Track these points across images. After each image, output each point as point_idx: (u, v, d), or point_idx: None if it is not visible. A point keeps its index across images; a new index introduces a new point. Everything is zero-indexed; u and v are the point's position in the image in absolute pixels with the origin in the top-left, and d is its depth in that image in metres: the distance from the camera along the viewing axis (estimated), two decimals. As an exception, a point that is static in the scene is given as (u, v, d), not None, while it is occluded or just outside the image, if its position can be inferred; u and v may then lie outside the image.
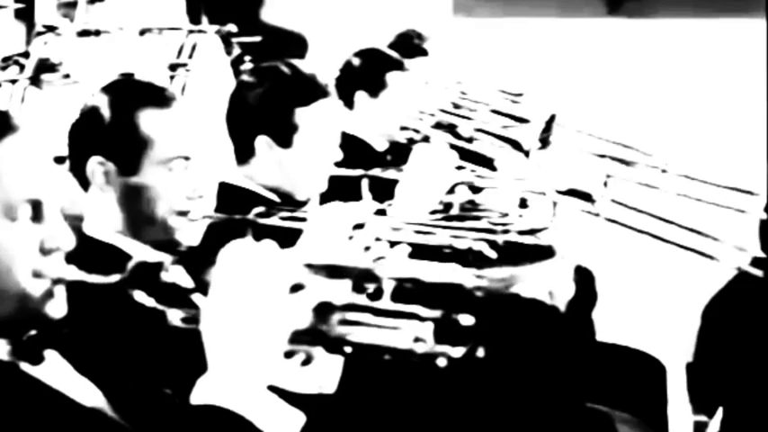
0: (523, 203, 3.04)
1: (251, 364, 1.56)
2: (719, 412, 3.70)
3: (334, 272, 1.61)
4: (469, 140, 3.61)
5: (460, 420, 2.94)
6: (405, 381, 2.79)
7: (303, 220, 2.56)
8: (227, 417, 1.55)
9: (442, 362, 1.52)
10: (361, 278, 1.60)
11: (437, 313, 1.54)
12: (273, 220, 2.59)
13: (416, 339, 1.54)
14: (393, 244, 2.46)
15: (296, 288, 1.59)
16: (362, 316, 1.59)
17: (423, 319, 1.55)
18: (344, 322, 1.59)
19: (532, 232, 2.53)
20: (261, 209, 2.63)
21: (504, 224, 2.55)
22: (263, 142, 2.88)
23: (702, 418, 3.97)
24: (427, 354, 1.53)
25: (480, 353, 1.50)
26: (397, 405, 2.83)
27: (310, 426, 1.63)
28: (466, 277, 1.56)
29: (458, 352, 1.51)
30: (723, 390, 3.70)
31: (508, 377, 3.14)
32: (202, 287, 1.58)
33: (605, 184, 3.00)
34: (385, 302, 1.58)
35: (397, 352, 1.55)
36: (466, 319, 1.52)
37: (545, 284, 1.55)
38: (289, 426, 1.58)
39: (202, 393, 1.57)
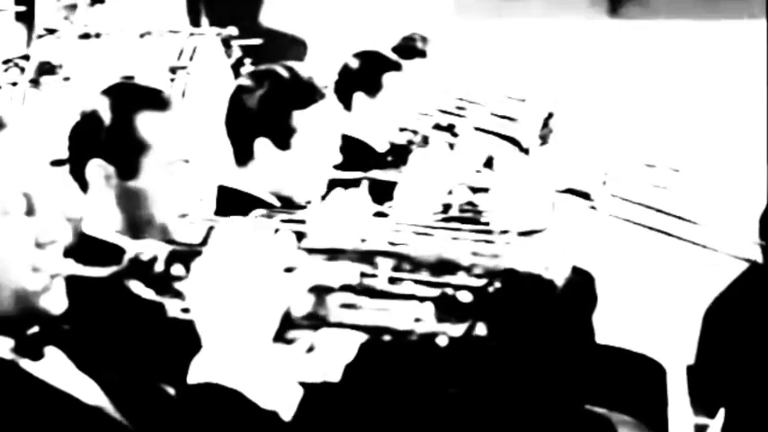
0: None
1: (243, 339, 1.54)
2: (721, 414, 3.70)
3: (332, 254, 1.61)
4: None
5: (464, 415, 2.93)
6: (409, 370, 2.79)
7: (303, 222, 2.55)
8: (222, 393, 1.53)
9: (442, 340, 1.51)
10: (359, 259, 1.60)
11: (436, 292, 1.54)
12: (274, 223, 2.58)
13: (416, 320, 1.53)
14: (393, 246, 2.45)
15: (291, 270, 1.58)
16: (361, 299, 1.58)
17: (422, 300, 1.55)
18: (344, 305, 1.58)
19: (531, 234, 2.53)
20: (261, 211, 2.63)
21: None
22: (261, 145, 2.88)
23: (703, 420, 3.97)
24: (427, 333, 1.52)
25: (480, 330, 1.49)
26: (401, 394, 2.83)
27: (314, 414, 1.62)
28: (462, 254, 1.56)
29: (458, 330, 1.50)
30: (725, 392, 3.70)
31: (508, 356, 3.14)
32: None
33: (604, 183, 3.00)
34: (383, 284, 1.58)
35: (397, 332, 1.54)
36: (464, 297, 1.52)
37: (540, 259, 1.55)
38: (286, 399, 1.57)
39: (197, 372, 1.56)
